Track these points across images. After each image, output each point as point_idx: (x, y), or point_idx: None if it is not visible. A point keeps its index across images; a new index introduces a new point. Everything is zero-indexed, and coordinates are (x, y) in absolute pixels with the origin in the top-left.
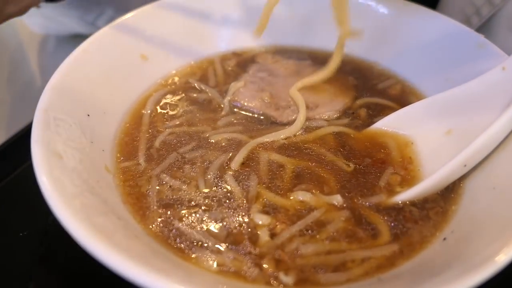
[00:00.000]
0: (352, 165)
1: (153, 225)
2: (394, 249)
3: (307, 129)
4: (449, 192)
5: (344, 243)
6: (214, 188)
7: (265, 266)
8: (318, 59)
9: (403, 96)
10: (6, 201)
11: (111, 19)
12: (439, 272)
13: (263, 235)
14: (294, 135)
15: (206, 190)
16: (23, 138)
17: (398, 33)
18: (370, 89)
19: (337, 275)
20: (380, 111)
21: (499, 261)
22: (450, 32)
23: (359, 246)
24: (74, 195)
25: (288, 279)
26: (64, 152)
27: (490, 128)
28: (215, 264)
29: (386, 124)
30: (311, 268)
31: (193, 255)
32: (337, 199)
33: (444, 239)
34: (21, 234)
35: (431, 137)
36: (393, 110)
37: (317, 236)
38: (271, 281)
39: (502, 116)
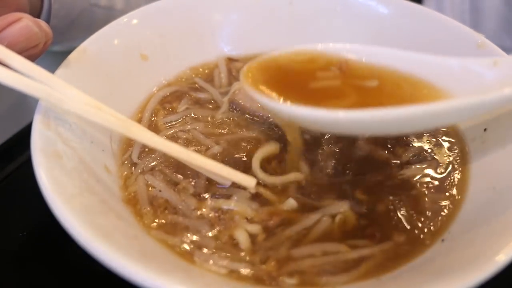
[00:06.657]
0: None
1: (153, 225)
2: (393, 249)
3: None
4: (448, 192)
5: (342, 243)
6: (211, 189)
7: (263, 267)
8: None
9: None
10: (6, 201)
11: None
12: (439, 273)
13: (259, 236)
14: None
15: (203, 191)
16: (23, 138)
17: (398, 33)
18: None
19: (335, 275)
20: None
21: (499, 261)
22: (450, 32)
23: (357, 246)
24: (74, 195)
25: (289, 281)
26: (64, 152)
27: None
28: (214, 265)
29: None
30: (309, 269)
31: (193, 256)
32: (343, 206)
33: (443, 240)
34: (21, 234)
35: None
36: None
37: (314, 236)
38: (270, 282)
39: None
